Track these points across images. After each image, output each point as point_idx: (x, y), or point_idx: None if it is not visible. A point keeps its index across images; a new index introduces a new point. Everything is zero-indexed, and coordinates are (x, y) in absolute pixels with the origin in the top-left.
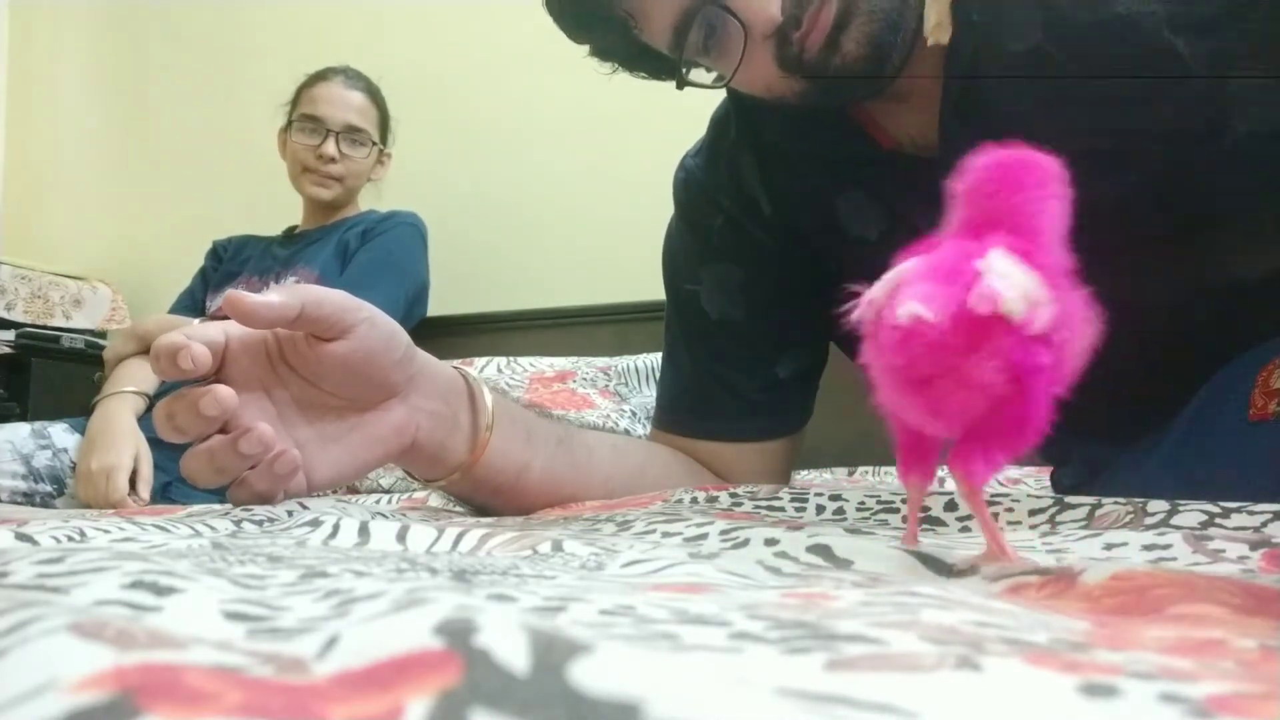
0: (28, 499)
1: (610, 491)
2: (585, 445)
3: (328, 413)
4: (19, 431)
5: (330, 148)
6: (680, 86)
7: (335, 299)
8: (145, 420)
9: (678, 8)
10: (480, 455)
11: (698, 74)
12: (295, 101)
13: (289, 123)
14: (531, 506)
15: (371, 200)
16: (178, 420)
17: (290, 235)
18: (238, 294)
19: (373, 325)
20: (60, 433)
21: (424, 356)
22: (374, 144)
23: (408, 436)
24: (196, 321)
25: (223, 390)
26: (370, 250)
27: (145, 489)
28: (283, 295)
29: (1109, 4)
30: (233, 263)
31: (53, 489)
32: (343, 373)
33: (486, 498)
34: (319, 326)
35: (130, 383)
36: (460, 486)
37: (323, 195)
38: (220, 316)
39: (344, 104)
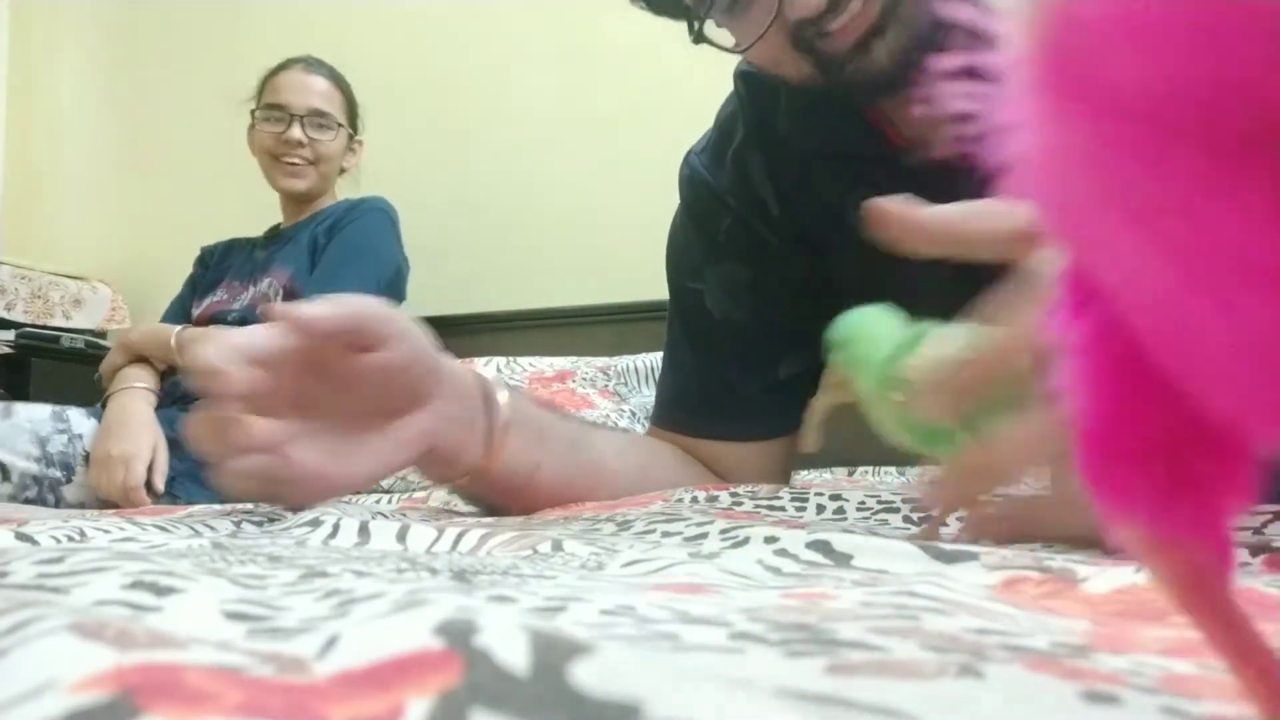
0: (36, 483)
1: (617, 493)
2: (595, 446)
3: (354, 419)
4: (40, 413)
5: (296, 132)
6: (696, 41)
7: (374, 309)
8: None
9: None
10: (494, 457)
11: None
12: (259, 96)
13: (253, 116)
14: (540, 507)
15: (349, 190)
16: (214, 444)
17: (271, 235)
18: (291, 307)
19: (407, 335)
20: (79, 417)
21: (446, 360)
22: (340, 126)
23: (429, 441)
24: (185, 328)
25: (265, 426)
26: (338, 242)
27: (160, 479)
28: (331, 307)
29: None
30: (217, 269)
31: (62, 475)
32: (377, 382)
33: (496, 498)
34: (358, 337)
35: (139, 381)
36: (472, 487)
37: (297, 186)
38: (205, 320)
39: (306, 89)
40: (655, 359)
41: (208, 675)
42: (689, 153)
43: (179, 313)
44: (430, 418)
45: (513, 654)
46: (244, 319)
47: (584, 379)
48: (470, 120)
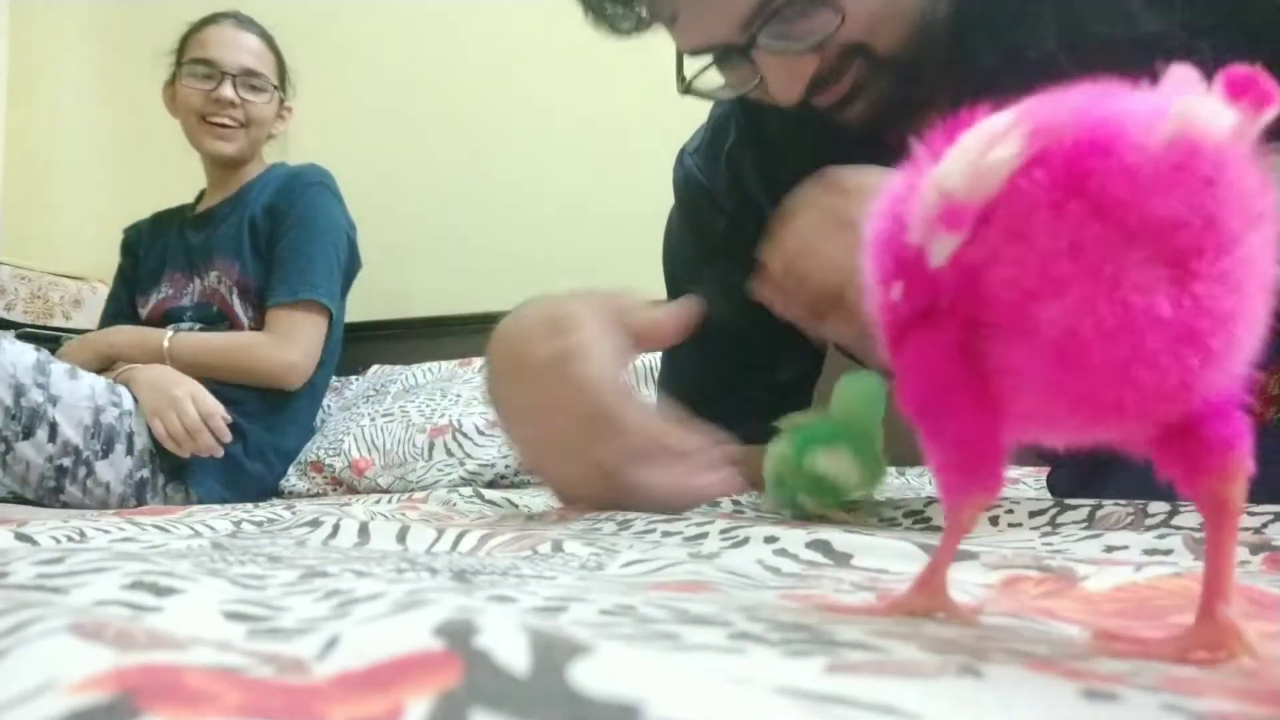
0: (76, 453)
1: None
2: None
3: None
4: (97, 383)
5: (227, 91)
6: (684, 91)
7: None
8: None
9: (711, 41)
10: None
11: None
12: (182, 49)
13: (175, 73)
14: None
15: (277, 155)
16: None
17: (199, 212)
18: (667, 327)
19: None
20: (127, 394)
21: None
22: (275, 89)
23: None
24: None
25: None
26: (295, 229)
27: (217, 419)
28: None
29: (1132, 23)
30: (151, 256)
31: (101, 449)
32: None
33: None
34: None
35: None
36: None
37: (225, 150)
38: (159, 318)
39: (237, 46)
40: (654, 359)
41: (208, 676)
42: (682, 152)
43: (119, 312)
44: None
45: (513, 654)
46: (199, 316)
47: None
48: (470, 120)
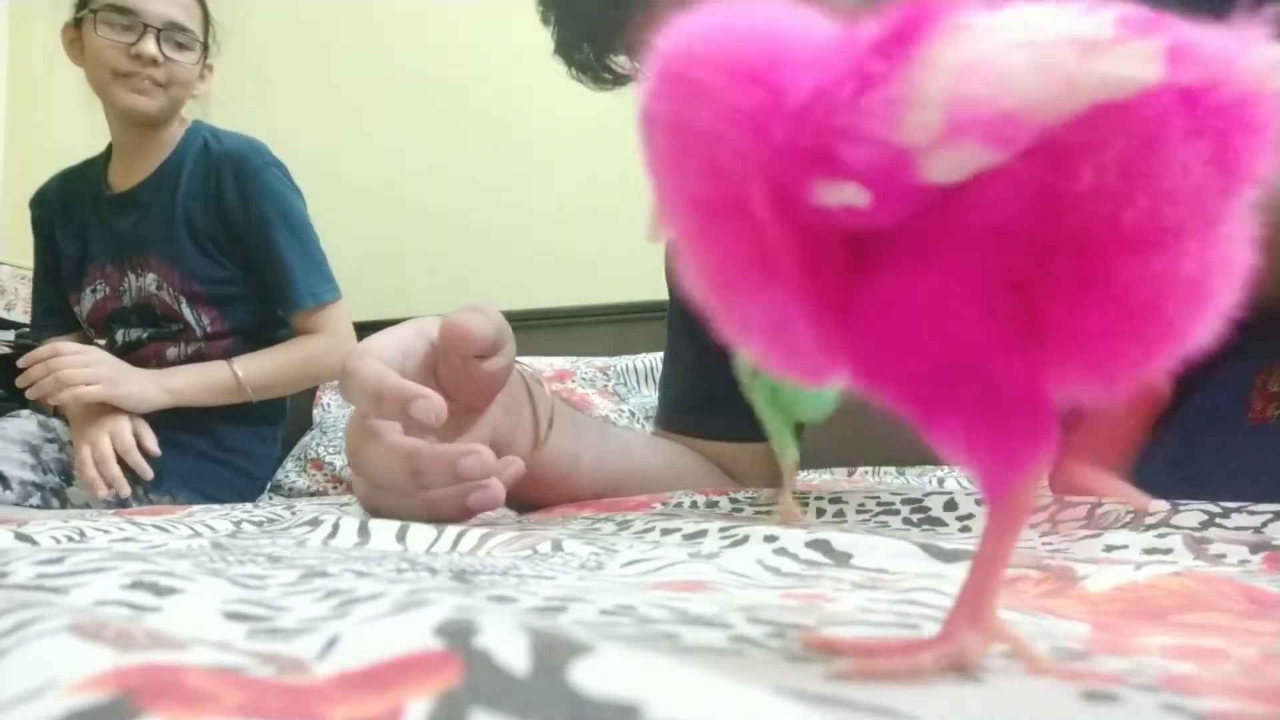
0: (38, 489)
1: (647, 485)
2: (622, 439)
3: (451, 418)
4: (28, 424)
5: (149, 47)
6: None
7: (500, 320)
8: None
9: None
10: (541, 447)
11: None
12: None
13: (79, 17)
14: (577, 499)
15: (195, 112)
16: (427, 478)
17: (119, 193)
18: (468, 326)
19: (512, 339)
20: (63, 428)
21: None
22: (204, 47)
23: (492, 434)
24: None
25: (486, 453)
26: (271, 229)
27: (151, 441)
28: (488, 322)
29: None
30: (68, 242)
31: (60, 480)
32: (484, 385)
33: (537, 490)
34: (492, 347)
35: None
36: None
37: (144, 106)
38: (100, 322)
39: None
40: (655, 359)
41: (207, 676)
42: None
43: (54, 312)
44: (494, 410)
45: (513, 654)
46: (144, 321)
47: (583, 379)
48: (470, 120)
